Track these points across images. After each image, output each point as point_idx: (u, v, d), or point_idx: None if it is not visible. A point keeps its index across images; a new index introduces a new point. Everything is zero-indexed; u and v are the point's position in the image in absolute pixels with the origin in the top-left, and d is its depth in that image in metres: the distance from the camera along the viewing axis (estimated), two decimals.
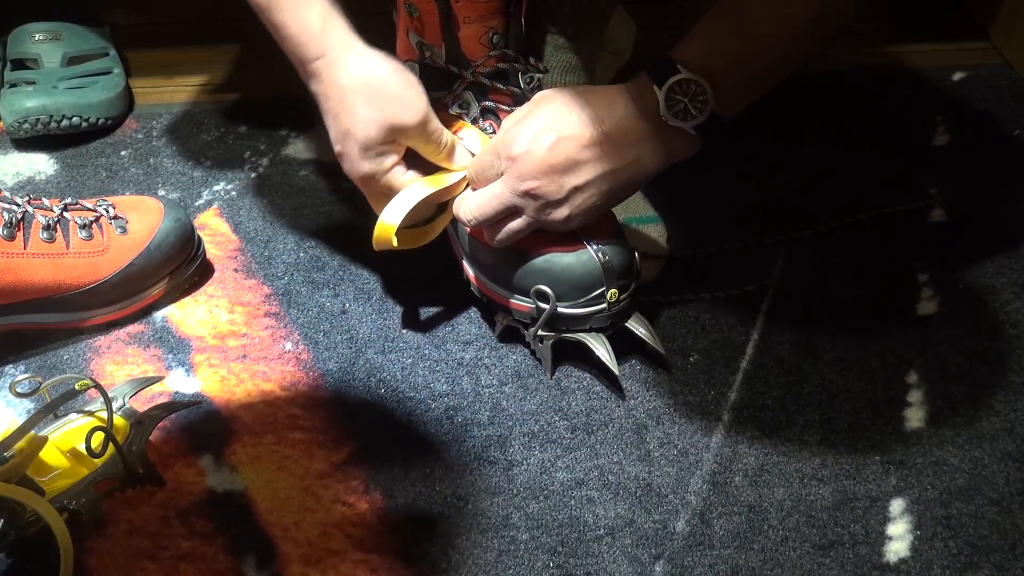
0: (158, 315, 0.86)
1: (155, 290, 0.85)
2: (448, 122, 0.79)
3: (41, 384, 0.73)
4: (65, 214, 0.81)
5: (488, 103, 0.80)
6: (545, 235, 0.75)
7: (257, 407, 0.78)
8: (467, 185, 0.77)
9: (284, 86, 0.89)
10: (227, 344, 0.83)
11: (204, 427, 0.76)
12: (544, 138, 0.70)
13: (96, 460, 0.69)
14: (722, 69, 0.69)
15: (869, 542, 0.68)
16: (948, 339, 0.82)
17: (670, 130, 0.70)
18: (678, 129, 0.70)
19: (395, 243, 0.74)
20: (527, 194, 0.71)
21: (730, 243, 0.91)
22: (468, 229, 0.79)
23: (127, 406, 0.74)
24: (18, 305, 0.80)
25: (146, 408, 0.74)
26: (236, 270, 0.91)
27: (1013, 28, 1.17)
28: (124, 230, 0.83)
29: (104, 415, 0.71)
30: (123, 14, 1.24)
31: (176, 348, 0.83)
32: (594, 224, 0.75)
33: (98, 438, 0.66)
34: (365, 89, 0.71)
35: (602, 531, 0.69)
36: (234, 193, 0.99)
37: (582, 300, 0.75)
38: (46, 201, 0.82)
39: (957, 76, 1.14)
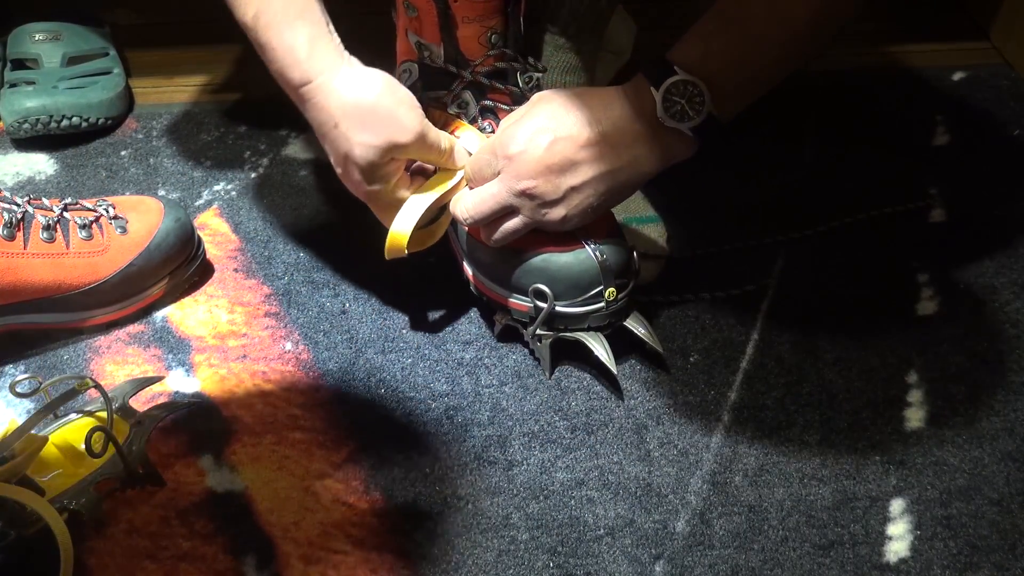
0: (158, 315, 0.86)
1: (155, 290, 0.85)
2: (447, 122, 0.79)
3: (41, 384, 0.73)
4: (65, 214, 0.81)
5: (487, 102, 0.80)
6: (543, 234, 0.75)
7: (257, 407, 0.78)
8: (465, 184, 0.77)
9: None
10: (227, 344, 0.83)
11: (204, 427, 0.76)
12: (541, 138, 0.70)
13: (96, 460, 0.69)
14: (720, 71, 0.69)
15: (869, 542, 0.68)
16: (948, 339, 0.82)
17: (667, 131, 0.70)
18: (675, 130, 0.70)
19: (406, 252, 0.75)
20: (523, 194, 0.71)
21: (730, 243, 0.91)
22: (466, 228, 0.79)
23: (127, 406, 0.74)
24: (18, 305, 0.80)
25: (146, 408, 0.74)
26: (236, 270, 0.91)
27: (1013, 28, 1.17)
28: (124, 230, 0.83)
29: (104, 415, 0.71)
30: (123, 14, 1.24)
31: (176, 348, 0.83)
32: (592, 223, 0.75)
33: (98, 438, 0.66)
34: (357, 113, 0.70)
35: (602, 531, 0.69)
36: (234, 193, 0.99)
37: (580, 299, 0.75)
38: (46, 201, 0.82)
39: (957, 76, 1.14)
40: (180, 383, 0.80)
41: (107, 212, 0.84)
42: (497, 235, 0.75)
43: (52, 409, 0.73)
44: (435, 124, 0.75)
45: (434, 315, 0.86)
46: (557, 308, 0.76)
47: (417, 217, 0.74)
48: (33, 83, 1.06)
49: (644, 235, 0.88)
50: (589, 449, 0.74)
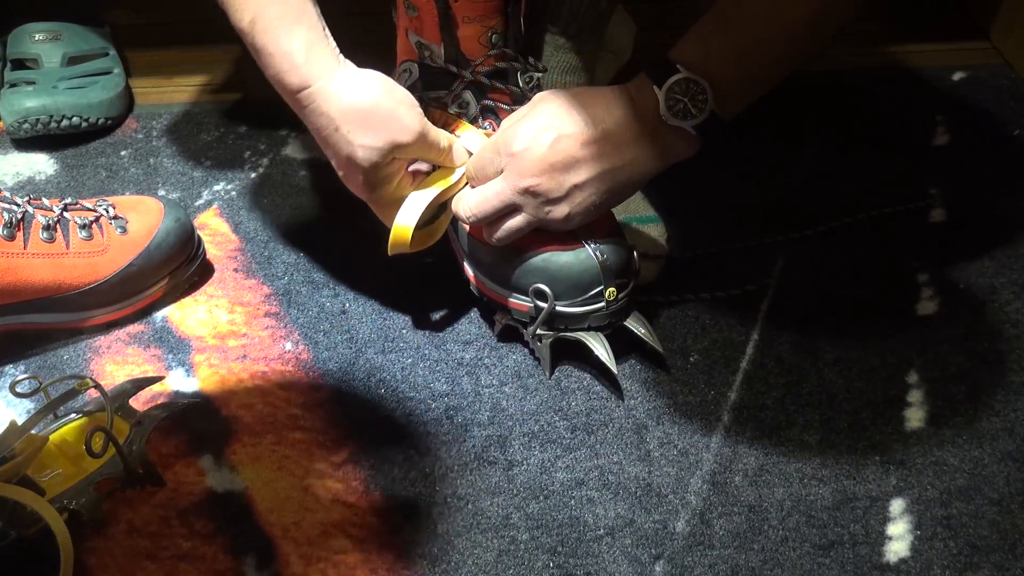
0: (158, 315, 0.86)
1: (155, 290, 0.85)
2: (447, 122, 0.79)
3: (41, 384, 0.73)
4: (65, 214, 0.81)
5: (487, 102, 0.80)
6: (544, 234, 0.75)
7: (257, 407, 0.78)
8: (467, 182, 0.77)
9: None
10: (227, 344, 0.83)
11: (204, 427, 0.76)
12: (544, 136, 0.70)
13: (96, 460, 0.69)
14: (721, 69, 0.69)
15: (869, 542, 0.68)
16: (948, 339, 0.82)
17: (670, 130, 0.71)
18: (678, 129, 0.70)
19: (410, 246, 0.75)
20: (527, 191, 0.71)
21: (730, 243, 0.91)
22: (468, 229, 0.79)
23: (127, 406, 0.74)
24: (18, 305, 0.80)
25: (146, 408, 0.74)
26: (236, 270, 0.91)
27: (1013, 28, 1.17)
28: (124, 230, 0.83)
29: (104, 415, 0.71)
30: (123, 14, 1.24)
31: (176, 348, 0.83)
32: (592, 223, 0.75)
33: (98, 438, 0.66)
34: (357, 115, 0.70)
35: (602, 531, 0.69)
36: (234, 193, 0.99)
37: (580, 299, 0.75)
38: (46, 201, 0.82)
39: (957, 76, 1.14)
40: (180, 383, 0.80)
41: (107, 212, 0.84)
42: (500, 233, 0.75)
43: (52, 409, 0.73)
44: (436, 124, 0.75)
45: (434, 315, 0.86)
46: (557, 308, 0.76)
47: (420, 211, 0.74)
48: (33, 83, 1.06)
49: (644, 235, 0.88)
50: (589, 449, 0.74)
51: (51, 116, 1.03)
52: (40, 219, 0.80)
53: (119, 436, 0.70)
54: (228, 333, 0.85)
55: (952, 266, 0.89)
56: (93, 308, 0.83)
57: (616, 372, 0.77)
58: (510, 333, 0.82)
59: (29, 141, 1.06)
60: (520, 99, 0.79)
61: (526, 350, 0.82)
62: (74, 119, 1.05)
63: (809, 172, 1.01)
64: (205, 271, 0.90)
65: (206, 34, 1.15)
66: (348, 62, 0.72)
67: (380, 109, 0.70)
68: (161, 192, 0.99)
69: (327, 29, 0.71)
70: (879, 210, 0.95)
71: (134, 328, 0.85)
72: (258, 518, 0.70)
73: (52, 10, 1.11)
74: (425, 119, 0.73)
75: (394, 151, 0.71)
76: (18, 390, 0.73)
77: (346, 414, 0.77)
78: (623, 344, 0.79)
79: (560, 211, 0.72)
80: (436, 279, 0.87)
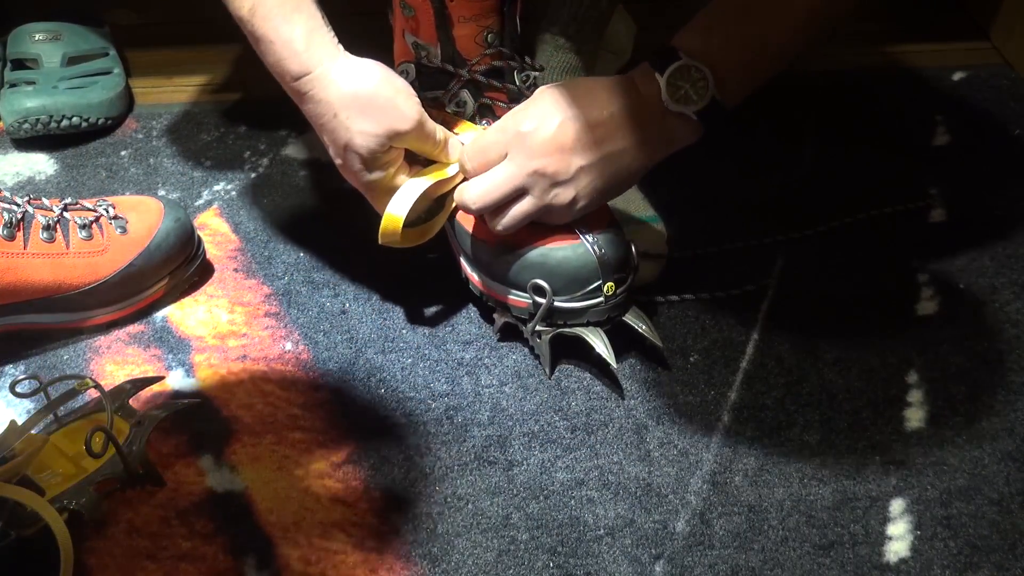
0: (158, 315, 0.86)
1: (155, 290, 0.85)
2: (447, 120, 0.79)
3: (41, 384, 0.73)
4: (65, 214, 0.81)
5: (485, 100, 0.80)
6: (541, 228, 0.75)
7: (257, 407, 0.78)
8: (463, 178, 0.78)
9: None
10: (227, 344, 0.83)
11: (204, 427, 0.76)
12: (552, 118, 0.71)
13: (96, 460, 0.69)
14: (723, 56, 0.70)
15: (869, 542, 0.68)
16: (948, 339, 0.82)
17: (672, 116, 0.71)
18: (680, 115, 0.71)
19: (401, 235, 0.75)
20: (535, 173, 0.72)
21: (730, 243, 0.91)
22: (467, 227, 0.79)
23: (127, 406, 0.74)
24: (18, 305, 0.80)
25: (146, 408, 0.74)
26: (236, 270, 0.91)
27: (1013, 28, 1.17)
28: (124, 230, 0.83)
29: (104, 415, 0.71)
30: (123, 14, 1.24)
31: (176, 348, 0.83)
32: (590, 217, 0.75)
33: (98, 438, 0.66)
34: (356, 103, 0.70)
35: (602, 531, 0.69)
36: (234, 193, 0.99)
37: (579, 294, 0.76)
38: (46, 201, 0.82)
39: (957, 76, 1.14)
40: (180, 383, 0.80)
41: (107, 212, 0.84)
42: (506, 219, 0.74)
43: (52, 409, 0.73)
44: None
45: (434, 315, 0.86)
46: (556, 303, 0.76)
47: (412, 201, 0.74)
48: (33, 83, 1.06)
49: (644, 234, 0.88)
50: (589, 449, 0.74)
51: (51, 116, 1.03)
52: (40, 219, 0.80)
53: (119, 436, 0.70)
54: (228, 333, 0.85)
55: (952, 266, 0.89)
56: (93, 308, 0.83)
57: (616, 367, 0.77)
58: (510, 331, 0.82)
59: (29, 141, 1.06)
60: (517, 97, 0.79)
61: (526, 350, 0.82)
62: (74, 119, 1.05)
63: (809, 172, 1.01)
64: (205, 271, 0.90)
65: (206, 34, 1.15)
66: (346, 52, 0.72)
67: (379, 97, 0.71)
68: (161, 192, 0.99)
69: (326, 18, 0.72)
70: (879, 210, 0.95)
71: (134, 328, 0.85)
72: (258, 518, 0.70)
73: (52, 10, 1.11)
74: (422, 109, 0.73)
75: (391, 139, 0.72)
76: (18, 390, 0.73)
77: (346, 414, 0.77)
78: (623, 342, 0.79)
79: (566, 194, 0.72)
80: (436, 279, 0.87)
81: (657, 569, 0.67)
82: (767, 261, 0.90)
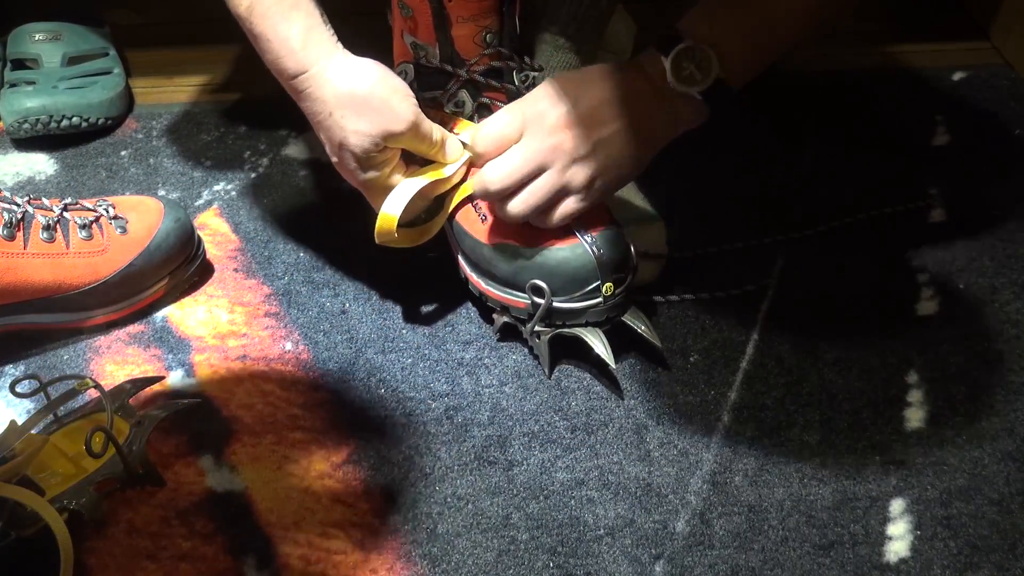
0: (158, 315, 0.86)
1: (155, 290, 0.85)
2: (446, 120, 0.79)
3: (41, 384, 0.73)
4: (65, 214, 0.81)
5: (484, 100, 0.80)
6: (539, 228, 0.75)
7: (257, 407, 0.78)
8: (463, 177, 0.78)
9: None
10: (227, 344, 0.83)
11: (204, 427, 0.76)
12: (565, 97, 0.73)
13: (96, 460, 0.69)
14: (728, 38, 0.72)
15: (869, 542, 0.68)
16: (948, 339, 0.82)
17: (678, 97, 0.72)
18: (685, 95, 0.72)
19: (396, 234, 0.75)
20: (556, 148, 0.73)
21: (730, 243, 0.91)
22: (468, 230, 0.79)
23: (127, 406, 0.74)
24: (18, 305, 0.80)
25: (146, 408, 0.74)
26: (236, 270, 0.91)
27: (1013, 28, 1.17)
28: (124, 230, 0.83)
29: (104, 415, 0.71)
30: (123, 14, 1.24)
31: (176, 348, 0.83)
32: (589, 217, 0.76)
33: (98, 438, 0.66)
34: (352, 102, 0.71)
35: (602, 531, 0.69)
36: (234, 193, 0.99)
37: (577, 294, 0.76)
38: (46, 201, 0.82)
39: (957, 76, 1.14)
40: (180, 383, 0.80)
41: (107, 212, 0.84)
42: (522, 199, 0.74)
43: (52, 409, 0.73)
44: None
45: (434, 315, 0.86)
46: (555, 304, 0.76)
47: (406, 200, 0.74)
48: (33, 83, 1.06)
49: (644, 234, 0.88)
50: (589, 449, 0.74)
51: (51, 116, 1.03)
52: (40, 219, 0.80)
53: (119, 436, 0.70)
54: (228, 333, 0.85)
55: (952, 266, 0.89)
56: (93, 308, 0.83)
57: (615, 367, 0.77)
58: (509, 331, 0.82)
59: (29, 141, 1.06)
60: (516, 97, 0.79)
61: (526, 350, 0.82)
62: (74, 119, 1.05)
63: (809, 172, 1.01)
64: (205, 271, 0.90)
65: (206, 34, 1.15)
66: (347, 51, 0.72)
67: (374, 97, 0.71)
68: (161, 192, 0.99)
69: (325, 16, 0.72)
70: (879, 210, 0.95)
71: (134, 328, 0.85)
72: (258, 518, 0.70)
73: (52, 10, 1.11)
74: (419, 110, 0.73)
75: (386, 139, 0.72)
76: (18, 390, 0.73)
77: (346, 414, 0.77)
78: (622, 342, 0.79)
79: (584, 172, 0.73)
80: (436, 279, 0.87)
81: (657, 569, 0.67)
82: (767, 261, 0.90)
